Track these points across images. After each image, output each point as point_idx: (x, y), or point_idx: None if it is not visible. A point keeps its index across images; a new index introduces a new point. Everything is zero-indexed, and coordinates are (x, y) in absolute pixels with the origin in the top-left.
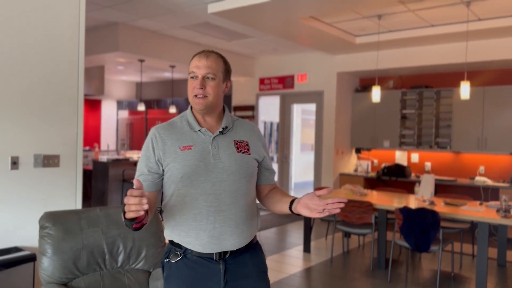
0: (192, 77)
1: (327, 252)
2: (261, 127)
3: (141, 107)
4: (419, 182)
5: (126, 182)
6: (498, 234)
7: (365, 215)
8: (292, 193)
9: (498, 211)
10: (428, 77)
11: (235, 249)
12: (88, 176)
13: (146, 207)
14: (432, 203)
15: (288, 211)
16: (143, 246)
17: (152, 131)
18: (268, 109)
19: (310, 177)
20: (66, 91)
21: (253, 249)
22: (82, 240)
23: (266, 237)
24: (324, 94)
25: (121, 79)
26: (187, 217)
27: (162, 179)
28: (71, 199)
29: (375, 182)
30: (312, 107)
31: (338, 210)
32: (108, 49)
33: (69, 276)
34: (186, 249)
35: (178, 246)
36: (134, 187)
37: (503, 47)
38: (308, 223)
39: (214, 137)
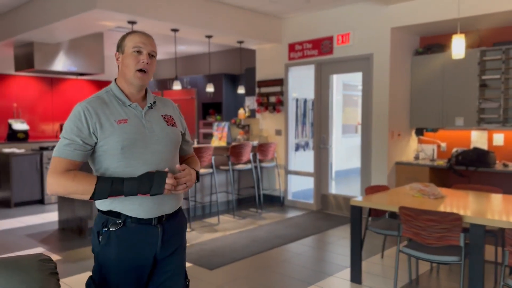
0: (137, 52)
1: (386, 282)
2: (292, 105)
3: None
4: None
5: None
6: None
7: (449, 234)
8: (333, 184)
9: None
10: None
11: (171, 212)
12: None
13: (179, 192)
14: None
15: None
16: None
17: (82, 105)
18: (301, 82)
19: (354, 163)
20: None
21: (180, 211)
22: None
23: (298, 253)
24: (374, 59)
25: None
26: None
27: (93, 152)
28: None
29: (444, 173)
30: (355, 80)
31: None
32: (83, 7)
33: None
34: (126, 217)
35: (117, 215)
36: (170, 171)
37: None
38: (358, 234)
39: (145, 112)
